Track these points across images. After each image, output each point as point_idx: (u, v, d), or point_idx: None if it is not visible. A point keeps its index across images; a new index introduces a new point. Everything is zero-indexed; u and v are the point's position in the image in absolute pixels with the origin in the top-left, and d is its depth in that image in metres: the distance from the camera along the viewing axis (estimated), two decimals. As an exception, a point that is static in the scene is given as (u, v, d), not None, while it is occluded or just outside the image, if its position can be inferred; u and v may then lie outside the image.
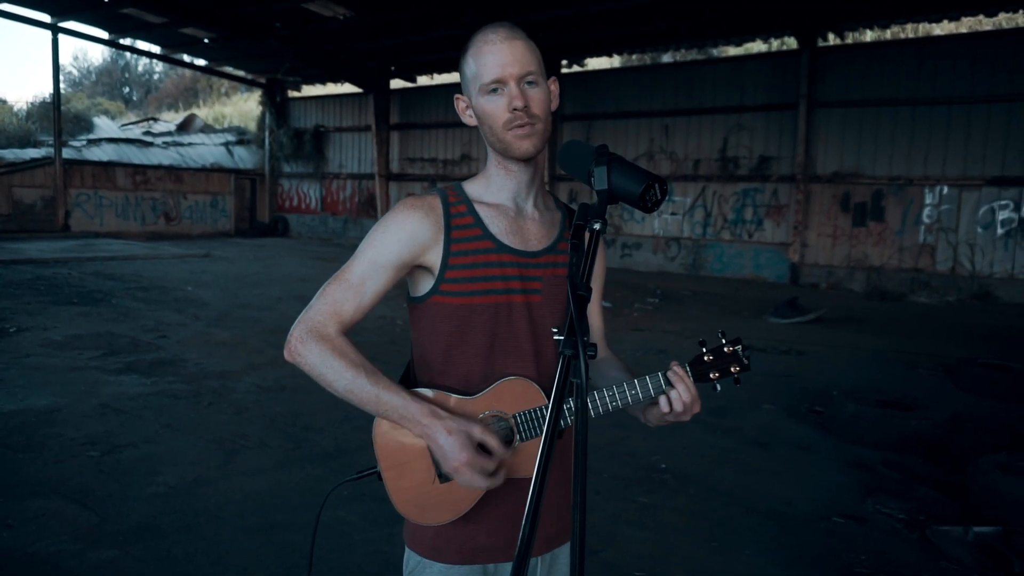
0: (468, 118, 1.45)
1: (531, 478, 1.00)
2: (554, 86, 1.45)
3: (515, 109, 1.34)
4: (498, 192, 1.46)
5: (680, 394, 1.37)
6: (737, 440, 5.11)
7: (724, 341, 1.44)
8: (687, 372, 1.40)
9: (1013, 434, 5.08)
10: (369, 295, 1.39)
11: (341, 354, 1.34)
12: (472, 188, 1.48)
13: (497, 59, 1.34)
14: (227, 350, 7.31)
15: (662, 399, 1.38)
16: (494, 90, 1.36)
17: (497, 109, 1.36)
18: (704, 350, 1.43)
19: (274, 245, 20.40)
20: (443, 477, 1.38)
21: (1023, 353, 7.84)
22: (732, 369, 1.43)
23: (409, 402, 1.33)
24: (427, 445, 1.37)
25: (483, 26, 1.39)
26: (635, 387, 1.39)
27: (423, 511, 1.40)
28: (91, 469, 4.16)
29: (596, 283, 1.58)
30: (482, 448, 1.32)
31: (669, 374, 1.39)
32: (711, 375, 1.42)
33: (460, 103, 1.46)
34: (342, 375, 1.33)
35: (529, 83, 1.36)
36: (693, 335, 8.94)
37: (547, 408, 1.03)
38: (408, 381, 1.50)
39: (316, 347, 1.34)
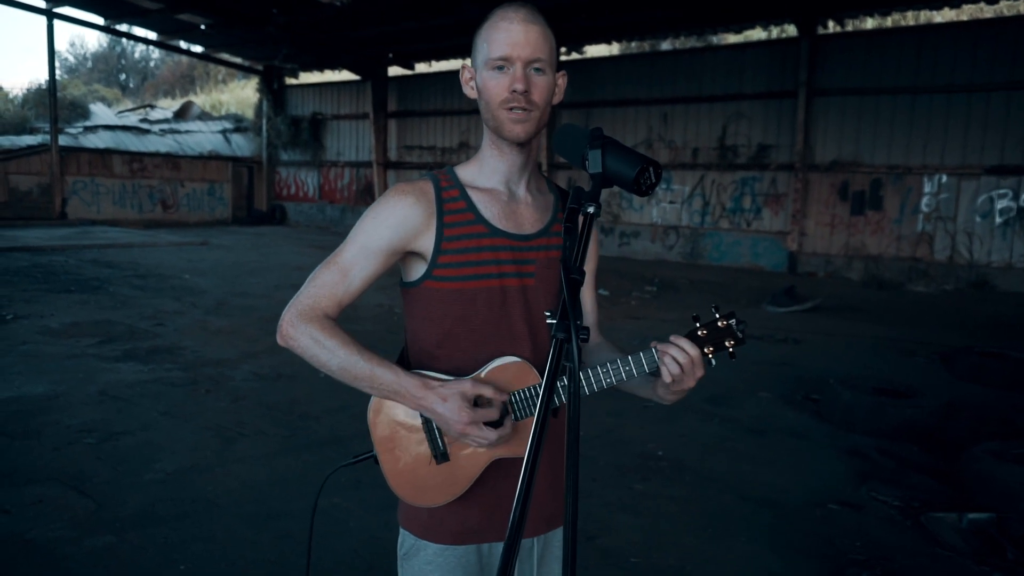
0: (470, 89, 1.45)
1: (524, 459, 1.00)
2: (562, 80, 1.44)
3: (515, 91, 1.34)
4: (491, 176, 1.46)
5: (676, 356, 1.33)
6: (733, 428, 5.12)
7: (718, 316, 1.41)
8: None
9: (1007, 422, 5.10)
10: (359, 280, 1.39)
11: (332, 334, 1.35)
12: (464, 172, 1.48)
13: (510, 37, 1.34)
14: (224, 338, 7.31)
15: (662, 368, 1.34)
16: (500, 67, 1.35)
17: (498, 86, 1.35)
18: (698, 325, 1.41)
19: (272, 233, 20.35)
20: (439, 458, 1.39)
21: (1019, 342, 7.86)
22: (727, 343, 1.40)
23: (402, 376, 1.34)
24: (423, 426, 1.38)
25: (505, 2, 1.38)
26: (628, 363, 1.36)
27: (419, 492, 1.41)
28: (88, 456, 4.17)
29: (589, 268, 1.56)
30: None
31: (663, 344, 1.36)
32: (706, 349, 1.39)
33: (465, 72, 1.46)
34: (335, 354, 1.34)
35: (536, 70, 1.35)
36: (690, 324, 8.93)
37: (542, 387, 1.04)
38: (402, 367, 1.49)
39: (307, 329, 1.35)
